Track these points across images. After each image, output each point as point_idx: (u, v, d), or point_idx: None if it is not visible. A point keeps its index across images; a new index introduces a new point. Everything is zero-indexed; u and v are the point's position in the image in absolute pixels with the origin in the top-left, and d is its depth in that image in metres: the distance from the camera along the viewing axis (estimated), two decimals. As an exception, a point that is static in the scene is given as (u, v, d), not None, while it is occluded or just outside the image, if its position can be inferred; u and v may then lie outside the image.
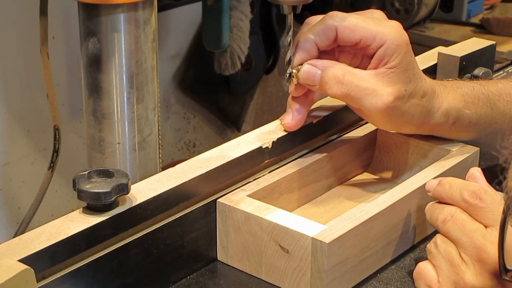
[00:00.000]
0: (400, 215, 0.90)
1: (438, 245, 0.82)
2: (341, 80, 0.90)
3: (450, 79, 1.00)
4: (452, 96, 0.96)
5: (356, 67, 0.94)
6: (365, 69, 0.92)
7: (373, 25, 0.90)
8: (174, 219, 0.86)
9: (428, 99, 0.93)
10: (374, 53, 0.90)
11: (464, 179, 0.87)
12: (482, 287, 0.78)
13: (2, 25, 1.59)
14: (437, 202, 0.86)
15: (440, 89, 0.95)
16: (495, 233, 0.79)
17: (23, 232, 0.89)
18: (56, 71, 1.38)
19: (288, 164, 0.96)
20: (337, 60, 0.94)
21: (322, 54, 0.93)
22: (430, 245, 0.83)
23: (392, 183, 1.00)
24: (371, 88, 0.89)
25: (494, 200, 0.81)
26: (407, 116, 0.92)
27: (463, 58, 1.14)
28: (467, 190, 0.82)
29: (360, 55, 0.94)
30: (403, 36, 0.90)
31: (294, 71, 0.92)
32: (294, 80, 0.93)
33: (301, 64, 0.92)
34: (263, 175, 0.94)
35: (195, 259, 0.89)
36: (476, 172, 0.87)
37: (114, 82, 1.06)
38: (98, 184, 0.80)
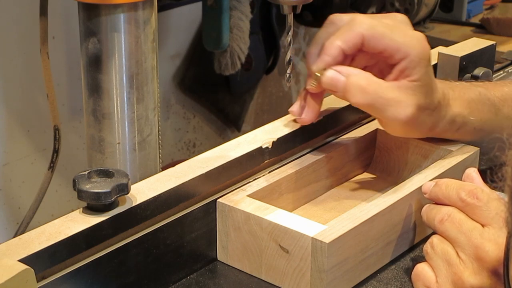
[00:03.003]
0: (400, 215, 0.90)
1: (435, 245, 0.82)
2: (365, 89, 0.89)
3: (457, 82, 1.00)
4: (459, 103, 0.96)
5: (372, 68, 0.93)
6: (380, 71, 0.92)
7: (399, 36, 0.90)
8: (174, 219, 0.86)
9: (438, 109, 0.94)
10: (395, 62, 0.90)
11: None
12: (481, 285, 0.78)
13: (2, 25, 1.59)
14: (433, 203, 0.86)
15: (449, 95, 0.95)
16: (492, 232, 0.79)
17: (23, 232, 0.89)
18: (56, 71, 1.38)
19: (288, 164, 0.96)
20: (353, 59, 0.94)
21: None
22: (427, 246, 0.83)
23: (392, 183, 1.00)
24: (395, 100, 0.89)
25: (491, 199, 0.81)
26: (419, 125, 0.93)
27: (463, 58, 1.14)
28: (464, 190, 0.82)
29: (378, 58, 0.94)
30: (426, 49, 0.90)
31: (317, 74, 0.91)
32: (314, 83, 0.92)
33: (325, 69, 0.91)
34: (263, 175, 0.94)
35: (195, 259, 0.89)
36: (472, 172, 0.87)
37: (114, 82, 1.06)
38: (98, 184, 0.80)
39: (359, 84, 0.89)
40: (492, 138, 0.98)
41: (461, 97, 0.96)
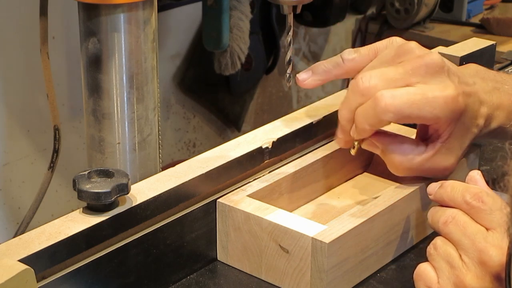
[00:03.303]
0: (400, 215, 0.90)
1: (438, 247, 0.82)
2: (397, 167, 0.90)
3: (507, 86, 0.97)
4: (504, 114, 0.94)
5: None
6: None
7: (427, 112, 0.87)
8: (174, 219, 0.86)
9: (479, 134, 0.93)
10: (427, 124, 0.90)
11: (464, 178, 0.87)
12: None
13: (2, 25, 1.59)
14: (438, 205, 0.86)
15: (493, 107, 0.93)
16: (496, 236, 0.78)
17: (23, 232, 0.89)
18: (56, 71, 1.38)
19: (288, 164, 0.96)
20: None
21: None
22: (430, 247, 0.83)
23: (392, 183, 1.00)
24: (430, 169, 0.90)
25: (495, 203, 0.80)
26: None
27: (463, 58, 1.14)
28: (469, 192, 0.82)
29: None
30: (456, 110, 0.88)
31: (356, 143, 0.92)
32: (353, 151, 0.93)
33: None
34: (263, 175, 0.94)
35: (195, 259, 0.89)
36: (476, 175, 0.87)
37: (114, 82, 1.06)
38: (98, 184, 0.80)
39: (392, 161, 0.90)
40: (494, 147, 0.98)
41: (508, 107, 0.95)
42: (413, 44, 0.91)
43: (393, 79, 0.87)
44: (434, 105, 0.87)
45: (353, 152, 0.93)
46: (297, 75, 0.96)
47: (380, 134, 0.91)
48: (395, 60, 0.90)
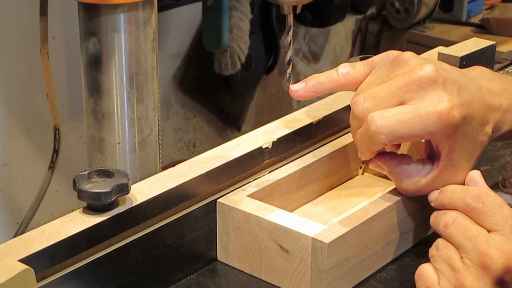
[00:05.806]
0: (400, 215, 0.90)
1: (439, 249, 0.82)
2: (405, 189, 0.89)
3: None
4: None
5: None
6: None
7: (420, 127, 0.84)
8: (174, 219, 0.86)
9: (489, 140, 0.90)
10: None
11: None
12: None
13: (2, 25, 1.59)
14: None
15: (502, 109, 0.90)
16: (498, 238, 0.78)
17: (23, 232, 0.89)
18: (56, 71, 1.39)
19: (288, 164, 0.96)
20: None
21: None
22: (432, 249, 0.83)
23: (392, 183, 1.00)
24: (436, 189, 0.88)
25: (496, 204, 0.80)
26: None
27: (463, 58, 1.14)
28: (468, 194, 0.82)
29: None
30: (451, 125, 0.84)
31: (362, 165, 0.93)
32: (360, 171, 0.93)
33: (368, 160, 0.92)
34: (263, 175, 0.94)
35: (195, 259, 0.89)
36: (476, 175, 0.86)
37: (114, 82, 1.06)
38: (98, 184, 0.80)
39: (399, 184, 0.90)
40: (503, 143, 0.96)
41: None
42: (408, 55, 0.88)
43: (386, 98, 0.85)
44: (427, 122, 0.83)
45: (360, 172, 0.93)
46: (290, 86, 0.95)
47: (386, 155, 0.90)
48: (390, 74, 0.87)
